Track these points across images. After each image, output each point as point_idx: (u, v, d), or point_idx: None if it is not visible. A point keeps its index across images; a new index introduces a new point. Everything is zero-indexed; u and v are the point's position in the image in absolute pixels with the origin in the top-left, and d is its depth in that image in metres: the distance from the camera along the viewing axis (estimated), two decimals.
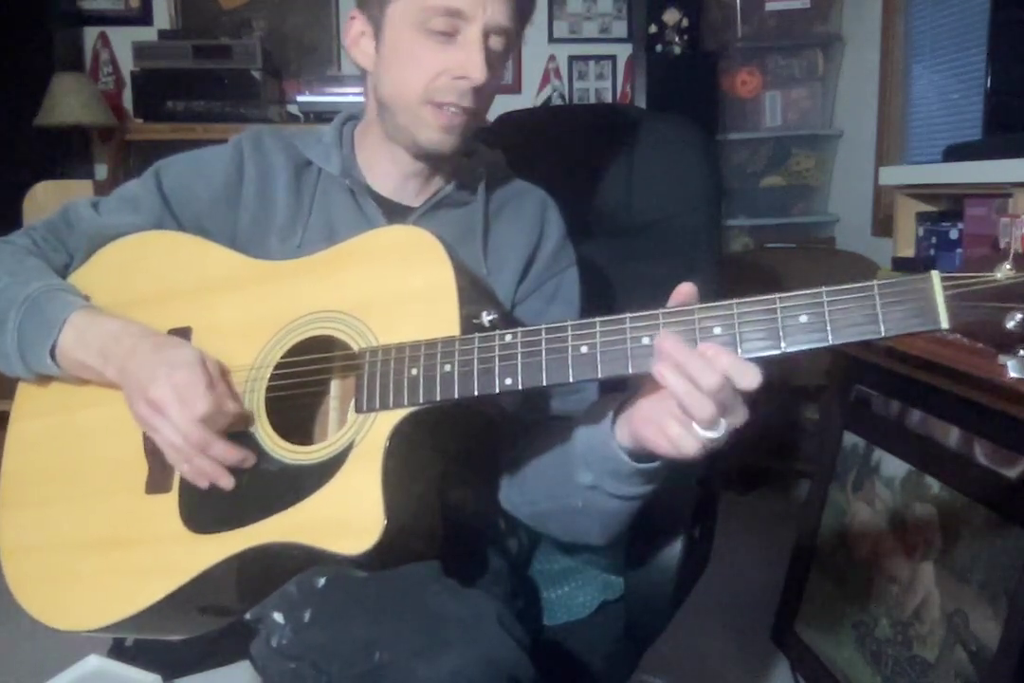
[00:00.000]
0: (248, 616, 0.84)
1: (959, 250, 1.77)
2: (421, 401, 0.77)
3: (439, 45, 0.90)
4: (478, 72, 0.89)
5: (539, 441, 0.90)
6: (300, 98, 3.04)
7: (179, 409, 0.81)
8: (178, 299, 0.93)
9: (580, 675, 1.03)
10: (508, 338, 0.74)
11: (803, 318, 0.65)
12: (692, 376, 0.65)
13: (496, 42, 0.91)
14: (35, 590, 0.90)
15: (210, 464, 0.83)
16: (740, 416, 0.68)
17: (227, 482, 0.83)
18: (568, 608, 1.10)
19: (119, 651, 1.08)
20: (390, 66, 0.93)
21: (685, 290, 0.71)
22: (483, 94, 0.92)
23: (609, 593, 1.11)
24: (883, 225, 2.68)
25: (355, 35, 0.97)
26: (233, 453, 0.82)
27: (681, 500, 1.07)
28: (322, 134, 1.04)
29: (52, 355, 0.89)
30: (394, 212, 1.01)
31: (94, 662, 1.04)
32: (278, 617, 0.79)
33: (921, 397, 1.60)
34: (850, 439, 1.82)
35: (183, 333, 0.91)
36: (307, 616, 0.78)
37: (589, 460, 0.82)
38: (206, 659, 1.02)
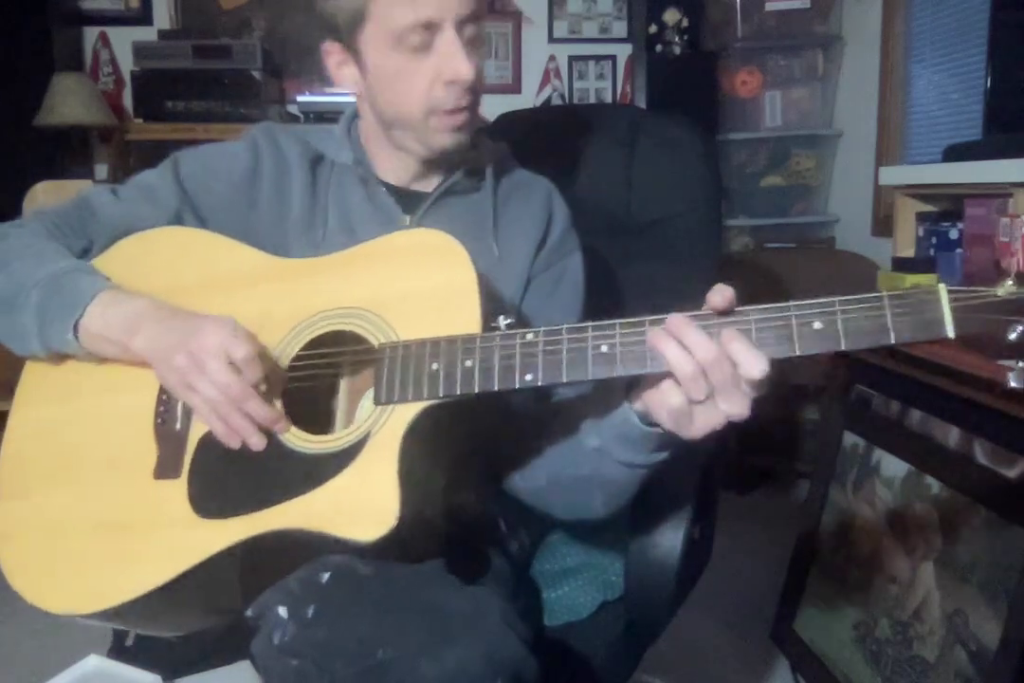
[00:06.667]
0: (249, 612, 0.84)
1: (959, 250, 1.77)
2: (441, 394, 0.78)
3: (421, 56, 0.91)
4: (466, 71, 0.91)
5: (549, 424, 0.92)
6: (300, 98, 3.04)
7: (221, 360, 0.81)
8: (196, 294, 0.94)
9: (580, 675, 1.04)
10: (529, 337, 0.76)
11: (817, 325, 0.69)
12: (689, 346, 0.70)
13: (470, 29, 0.92)
14: (31, 573, 0.88)
15: (245, 422, 0.83)
16: (738, 406, 0.71)
17: (258, 442, 0.83)
18: (568, 608, 1.10)
19: (119, 651, 1.08)
20: (383, 89, 0.95)
21: (718, 298, 0.71)
22: (477, 84, 0.95)
23: (609, 593, 1.11)
24: (883, 225, 2.68)
25: (335, 65, 0.99)
26: (269, 411, 0.83)
27: (681, 500, 1.07)
28: (332, 129, 1.07)
29: (75, 331, 0.89)
30: (406, 200, 1.02)
31: (94, 662, 1.04)
32: (282, 611, 0.78)
33: (921, 397, 1.60)
34: (850, 439, 1.82)
35: None
36: (311, 612, 0.78)
37: (598, 426, 0.85)
38: (206, 659, 1.02)
